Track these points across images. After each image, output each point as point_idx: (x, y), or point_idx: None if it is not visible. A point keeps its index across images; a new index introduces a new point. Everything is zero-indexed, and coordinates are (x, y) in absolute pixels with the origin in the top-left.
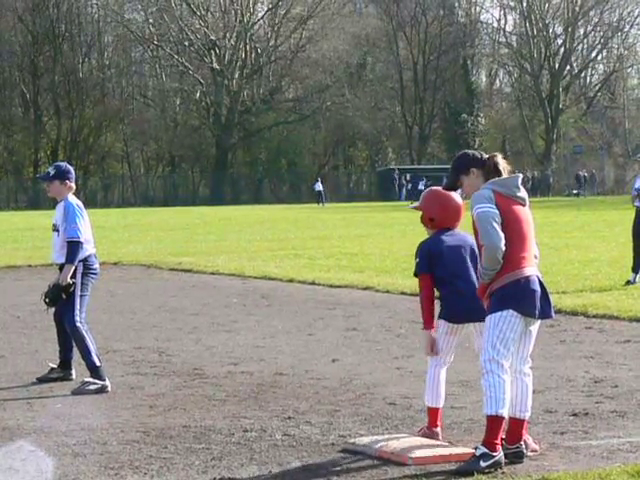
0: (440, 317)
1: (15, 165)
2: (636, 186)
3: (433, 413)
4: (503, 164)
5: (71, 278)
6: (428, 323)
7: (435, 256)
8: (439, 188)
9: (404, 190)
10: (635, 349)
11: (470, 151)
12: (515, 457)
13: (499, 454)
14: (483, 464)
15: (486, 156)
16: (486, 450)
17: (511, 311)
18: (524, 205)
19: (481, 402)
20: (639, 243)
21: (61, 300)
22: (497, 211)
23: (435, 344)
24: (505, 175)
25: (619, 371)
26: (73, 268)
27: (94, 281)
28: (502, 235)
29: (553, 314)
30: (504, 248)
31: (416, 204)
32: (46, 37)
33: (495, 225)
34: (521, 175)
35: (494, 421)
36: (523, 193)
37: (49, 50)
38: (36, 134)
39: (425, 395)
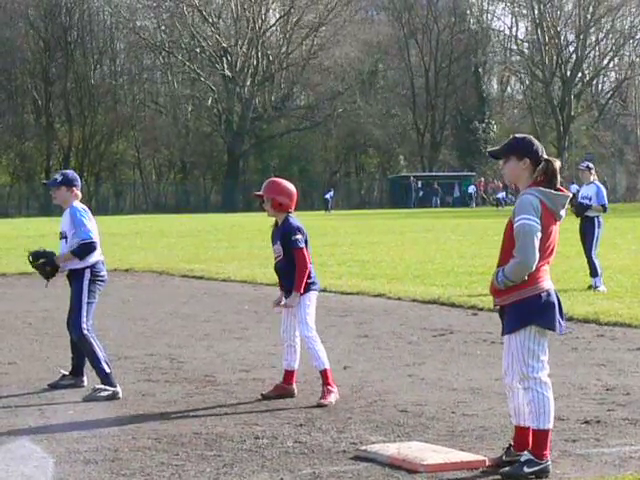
0: (312, 289)
1: (27, 172)
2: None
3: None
4: (560, 177)
5: (69, 277)
6: (301, 289)
7: (304, 234)
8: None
9: (414, 197)
10: None
11: (536, 141)
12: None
13: (545, 462)
14: (527, 470)
15: (545, 156)
16: (532, 457)
17: (534, 327)
18: (559, 221)
19: (492, 410)
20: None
21: (70, 306)
22: (540, 226)
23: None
24: (557, 185)
25: (631, 379)
26: (74, 260)
27: (102, 288)
28: (538, 255)
29: (564, 329)
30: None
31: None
32: (58, 44)
33: (536, 243)
34: (571, 195)
35: (539, 434)
36: (564, 212)
37: (61, 57)
38: (48, 141)
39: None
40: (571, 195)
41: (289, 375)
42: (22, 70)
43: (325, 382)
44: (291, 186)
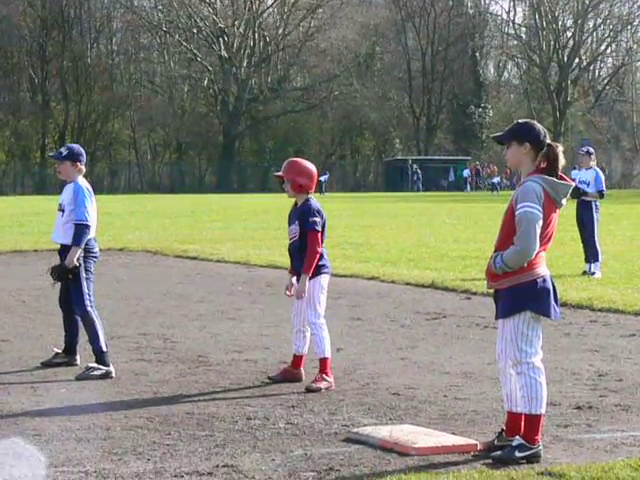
0: (323, 272)
1: (22, 150)
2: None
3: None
4: (562, 162)
5: (61, 254)
6: (310, 271)
7: (323, 217)
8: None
9: (413, 180)
10: None
11: (539, 125)
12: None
13: (537, 448)
14: (519, 454)
15: (548, 141)
16: (523, 442)
17: (529, 312)
18: (559, 209)
19: (484, 394)
20: (584, 233)
21: (71, 285)
22: (541, 214)
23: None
24: (559, 170)
25: (624, 365)
26: (79, 251)
27: (95, 264)
28: (538, 244)
29: (559, 316)
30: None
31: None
32: (55, 22)
33: (537, 231)
34: (574, 184)
35: (531, 419)
36: (565, 201)
37: (58, 35)
38: (44, 119)
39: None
40: (574, 184)
41: (297, 360)
42: (19, 48)
43: (322, 370)
44: (312, 167)
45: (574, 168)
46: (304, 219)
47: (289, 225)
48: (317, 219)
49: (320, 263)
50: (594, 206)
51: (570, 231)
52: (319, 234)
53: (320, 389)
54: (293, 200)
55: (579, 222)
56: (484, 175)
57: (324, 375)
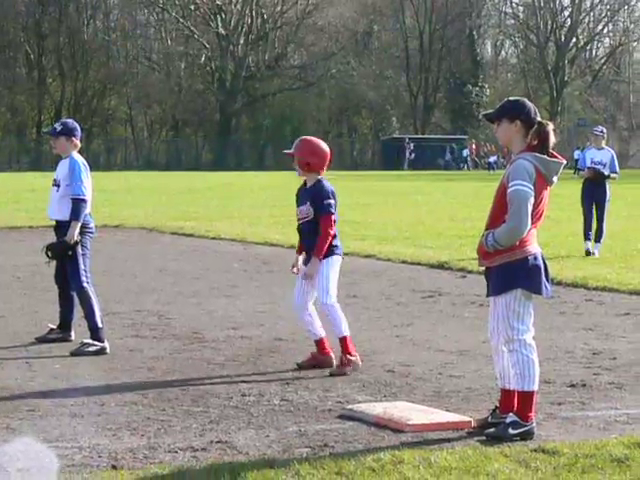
0: (336, 253)
1: (18, 126)
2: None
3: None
4: (553, 140)
5: (57, 231)
6: (322, 255)
7: (336, 199)
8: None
9: (406, 159)
10: (634, 322)
11: (530, 103)
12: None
13: (530, 425)
14: (512, 431)
15: (539, 119)
16: (517, 419)
17: (520, 290)
18: (550, 187)
19: (479, 371)
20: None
21: (67, 261)
22: (533, 192)
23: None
24: (550, 148)
25: (618, 343)
26: (79, 225)
27: (91, 240)
28: (530, 222)
29: (550, 293)
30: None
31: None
32: None
33: (529, 209)
34: (565, 162)
35: (524, 396)
36: (556, 179)
37: (54, 11)
38: (40, 95)
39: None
40: (565, 162)
41: (320, 344)
42: (15, 24)
43: (344, 350)
44: (324, 146)
45: (577, 148)
46: (318, 201)
47: (298, 205)
48: (332, 201)
49: (333, 244)
50: (608, 186)
51: (567, 210)
52: (333, 216)
53: (346, 374)
54: (295, 179)
55: (589, 201)
56: (482, 154)
57: (347, 355)
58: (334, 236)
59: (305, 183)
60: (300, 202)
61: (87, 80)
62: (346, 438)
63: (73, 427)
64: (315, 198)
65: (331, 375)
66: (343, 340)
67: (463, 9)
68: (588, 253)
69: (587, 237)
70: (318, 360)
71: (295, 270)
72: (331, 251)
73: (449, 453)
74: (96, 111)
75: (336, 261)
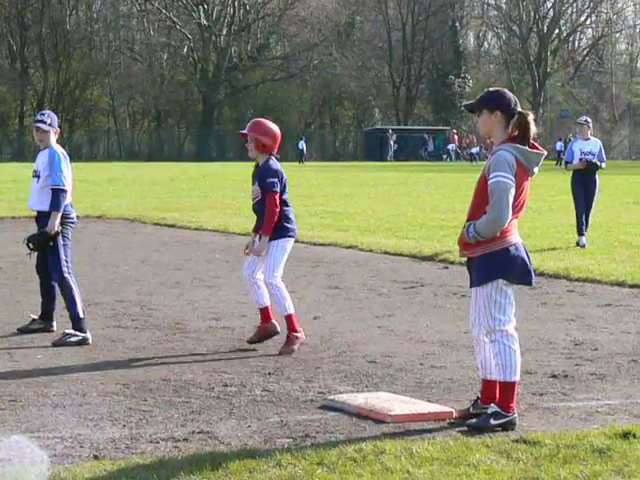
0: (287, 235)
1: (0, 117)
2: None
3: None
4: (534, 130)
5: (38, 221)
6: (269, 232)
7: (282, 178)
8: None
9: (391, 151)
10: (616, 313)
11: (510, 94)
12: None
13: (512, 415)
14: (494, 422)
15: (519, 109)
16: (498, 409)
17: (501, 280)
18: (531, 177)
19: (460, 362)
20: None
21: (48, 251)
22: (514, 183)
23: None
24: (530, 139)
25: (599, 334)
26: (59, 215)
27: (72, 230)
28: (511, 213)
29: (534, 281)
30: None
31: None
32: None
33: (510, 200)
34: (546, 153)
35: (505, 387)
36: (537, 170)
37: (37, 2)
38: (22, 86)
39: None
40: (545, 153)
41: (264, 313)
42: None
43: (290, 327)
44: (276, 128)
45: (560, 139)
46: (262, 180)
47: (252, 185)
48: (275, 180)
49: (287, 226)
50: (598, 178)
51: (548, 201)
52: (276, 195)
53: (293, 350)
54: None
55: (581, 193)
56: (464, 145)
57: (293, 333)
58: (285, 217)
59: (257, 164)
60: (253, 182)
61: (70, 71)
62: (328, 428)
63: (55, 417)
64: (260, 177)
65: (280, 354)
66: (288, 318)
67: (446, 0)
68: (577, 244)
69: (581, 232)
70: (264, 330)
71: (247, 251)
72: (282, 233)
73: (430, 444)
74: (78, 102)
75: (288, 244)
